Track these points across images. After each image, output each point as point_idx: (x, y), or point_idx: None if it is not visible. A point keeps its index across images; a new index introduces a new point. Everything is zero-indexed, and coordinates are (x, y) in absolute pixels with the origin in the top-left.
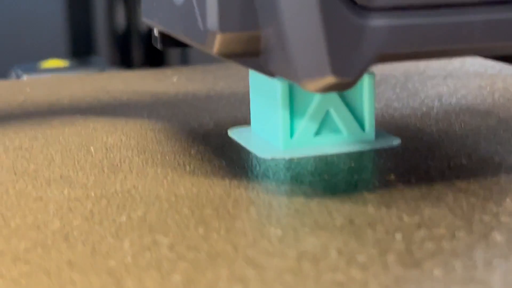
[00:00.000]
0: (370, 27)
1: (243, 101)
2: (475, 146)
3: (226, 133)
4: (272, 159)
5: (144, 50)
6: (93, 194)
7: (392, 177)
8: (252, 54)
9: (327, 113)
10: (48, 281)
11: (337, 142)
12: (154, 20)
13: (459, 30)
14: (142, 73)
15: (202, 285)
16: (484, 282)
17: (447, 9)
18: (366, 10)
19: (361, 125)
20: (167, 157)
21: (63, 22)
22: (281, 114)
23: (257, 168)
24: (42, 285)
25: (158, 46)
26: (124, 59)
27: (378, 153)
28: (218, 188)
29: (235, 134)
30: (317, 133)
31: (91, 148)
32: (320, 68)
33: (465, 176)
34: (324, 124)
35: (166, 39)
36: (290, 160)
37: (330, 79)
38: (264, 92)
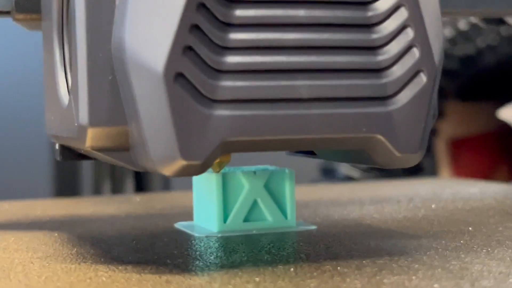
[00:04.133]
0: (215, 116)
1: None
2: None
3: (173, 226)
4: (207, 237)
5: None
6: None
7: None
8: (123, 149)
9: (254, 202)
10: None
11: (263, 227)
12: (53, 132)
13: (296, 122)
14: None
15: None
16: None
17: (284, 103)
18: (211, 101)
19: (284, 213)
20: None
21: None
22: (216, 203)
23: (198, 242)
24: None
25: (58, 158)
26: None
27: (297, 234)
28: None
29: (179, 225)
30: (246, 219)
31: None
32: (171, 153)
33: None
34: (252, 211)
35: (66, 151)
36: (223, 237)
37: (180, 163)
38: (203, 185)
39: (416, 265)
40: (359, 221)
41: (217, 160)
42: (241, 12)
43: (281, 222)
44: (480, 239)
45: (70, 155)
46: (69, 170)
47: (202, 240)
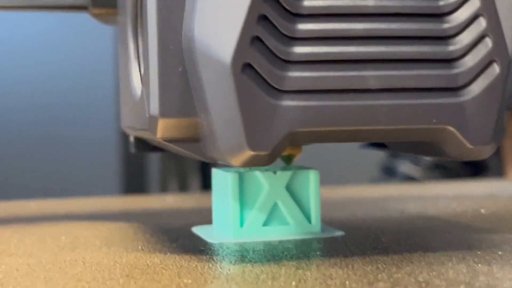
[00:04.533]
0: (282, 107)
1: None
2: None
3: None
4: (219, 243)
5: None
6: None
7: None
8: (194, 140)
9: (275, 205)
10: None
11: (284, 232)
12: (127, 124)
13: (365, 112)
14: None
15: None
16: None
17: (353, 93)
18: (279, 91)
19: (308, 218)
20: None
21: None
22: (231, 205)
23: (206, 249)
24: None
25: (133, 150)
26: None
27: (318, 240)
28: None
29: (196, 229)
30: (266, 223)
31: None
32: (239, 144)
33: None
34: (272, 215)
35: (140, 143)
36: (237, 244)
37: (248, 153)
38: (220, 186)
39: (437, 281)
40: (392, 224)
41: (288, 153)
42: (309, 2)
43: (304, 227)
44: None
45: (144, 147)
46: (137, 168)
47: (212, 247)
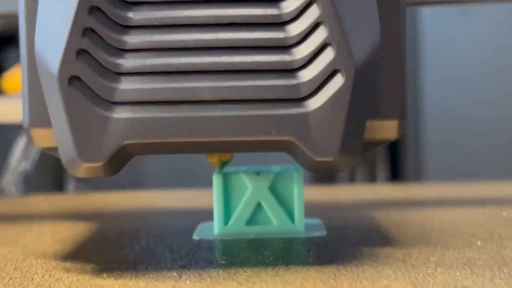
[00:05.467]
0: (114, 119)
1: None
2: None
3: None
4: (201, 240)
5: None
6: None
7: None
8: None
9: (258, 205)
10: None
11: (267, 231)
12: None
13: (199, 124)
14: None
15: None
16: None
17: (186, 105)
18: (110, 103)
19: (291, 217)
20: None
21: None
22: (216, 204)
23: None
24: None
25: None
26: None
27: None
28: None
29: (201, 225)
30: (249, 222)
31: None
32: (72, 156)
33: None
34: (256, 215)
35: None
36: (218, 241)
37: (81, 165)
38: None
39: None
40: (383, 227)
41: (216, 159)
42: (137, 14)
43: (287, 227)
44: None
45: None
46: None
47: (194, 243)
